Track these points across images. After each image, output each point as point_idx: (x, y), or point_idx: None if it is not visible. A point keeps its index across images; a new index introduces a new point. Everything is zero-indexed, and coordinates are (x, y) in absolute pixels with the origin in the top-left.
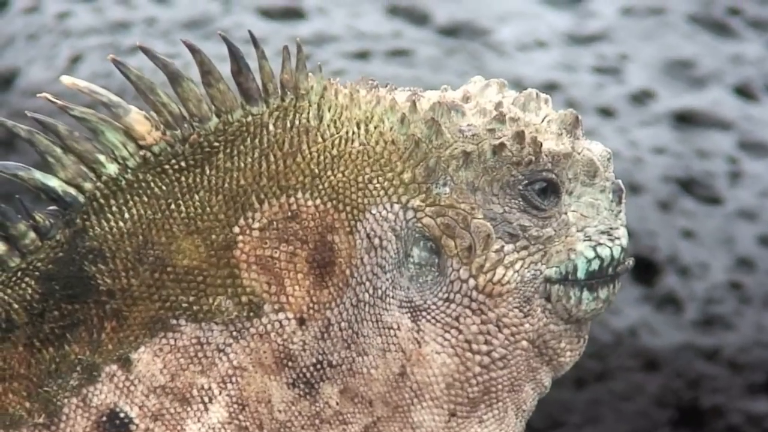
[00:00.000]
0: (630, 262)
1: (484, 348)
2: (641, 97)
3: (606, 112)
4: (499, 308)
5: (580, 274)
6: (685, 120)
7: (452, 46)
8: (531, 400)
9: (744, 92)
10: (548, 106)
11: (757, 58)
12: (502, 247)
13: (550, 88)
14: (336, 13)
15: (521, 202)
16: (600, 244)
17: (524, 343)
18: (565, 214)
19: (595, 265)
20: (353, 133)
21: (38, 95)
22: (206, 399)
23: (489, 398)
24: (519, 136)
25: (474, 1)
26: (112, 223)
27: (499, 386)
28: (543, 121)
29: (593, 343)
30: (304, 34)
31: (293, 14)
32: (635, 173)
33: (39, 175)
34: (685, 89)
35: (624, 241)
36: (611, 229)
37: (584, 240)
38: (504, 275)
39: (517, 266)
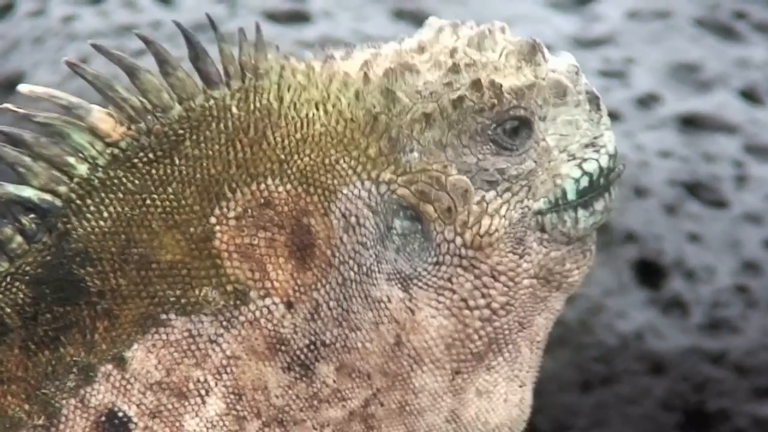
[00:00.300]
0: (621, 166)
1: (482, 302)
2: (647, 101)
3: (612, 116)
4: (491, 258)
5: (571, 196)
6: (691, 123)
7: None
8: (545, 329)
9: (750, 96)
10: (506, 36)
11: (764, 62)
12: (483, 197)
13: None
14: (342, 16)
15: (493, 147)
16: (585, 159)
17: (526, 281)
18: (543, 140)
19: (585, 182)
20: (313, 114)
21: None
22: (203, 392)
23: (496, 346)
24: (476, 84)
25: (480, 4)
26: (93, 223)
27: (506, 331)
28: (501, 56)
29: (599, 347)
30: (309, 37)
31: (299, 18)
32: (641, 177)
33: (12, 188)
34: (691, 93)
35: (611, 147)
36: (595, 138)
37: (568, 160)
38: (491, 224)
39: (503, 211)
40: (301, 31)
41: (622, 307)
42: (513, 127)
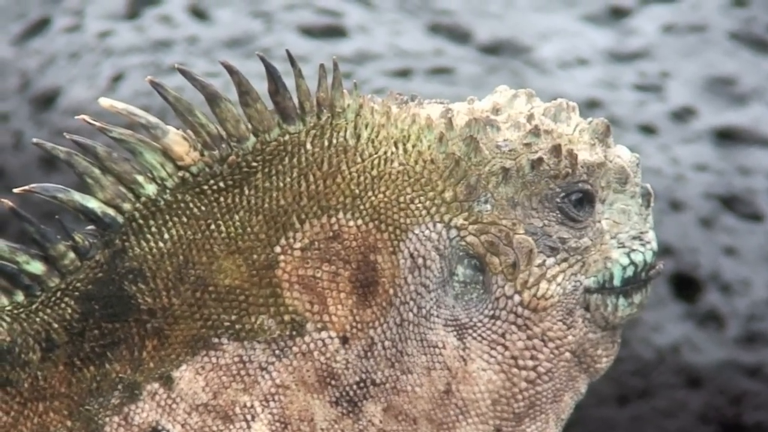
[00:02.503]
0: (661, 265)
1: (530, 363)
2: (683, 115)
3: (648, 130)
4: (544, 322)
5: (617, 282)
6: (726, 137)
7: (494, 64)
8: (569, 409)
9: None
10: (577, 115)
11: None
12: (544, 261)
13: (591, 105)
14: (377, 31)
15: (559, 215)
16: (633, 250)
17: (567, 354)
18: (599, 222)
19: (630, 271)
20: (392, 153)
21: (77, 117)
22: (249, 417)
23: (534, 411)
24: (556, 150)
25: (515, 18)
26: (152, 244)
27: (543, 399)
28: (575, 131)
29: (636, 360)
30: (345, 52)
31: (335, 32)
32: (677, 190)
33: (78, 197)
34: (727, 106)
35: (654, 245)
36: (642, 233)
37: (618, 247)
38: (548, 289)
39: (559, 279)
40: (337, 45)
41: (658, 321)
42: (578, 199)
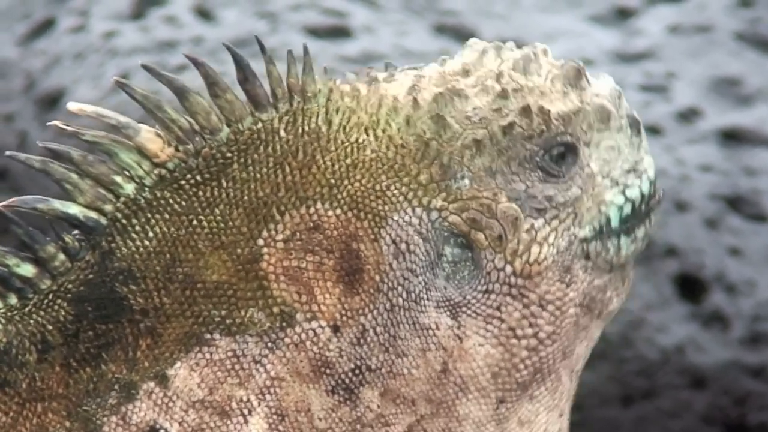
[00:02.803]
0: (661, 192)
1: (530, 331)
2: (688, 115)
3: (653, 130)
4: (540, 287)
5: (615, 223)
6: (732, 137)
7: None
8: (584, 358)
9: None
10: (548, 59)
11: None
12: (532, 224)
13: None
14: (383, 31)
15: (541, 174)
16: (628, 186)
17: (571, 310)
18: (588, 166)
19: (627, 209)
20: (363, 139)
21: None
22: (245, 411)
23: (540, 375)
24: (525, 111)
25: (521, 19)
26: (138, 243)
27: (550, 361)
28: (546, 80)
29: (640, 361)
30: (351, 52)
31: (340, 33)
32: (682, 191)
33: (58, 204)
34: (732, 107)
35: (651, 172)
36: (636, 163)
37: (611, 186)
38: (540, 253)
39: (551, 239)
40: (343, 46)
41: (662, 321)
42: (559, 153)
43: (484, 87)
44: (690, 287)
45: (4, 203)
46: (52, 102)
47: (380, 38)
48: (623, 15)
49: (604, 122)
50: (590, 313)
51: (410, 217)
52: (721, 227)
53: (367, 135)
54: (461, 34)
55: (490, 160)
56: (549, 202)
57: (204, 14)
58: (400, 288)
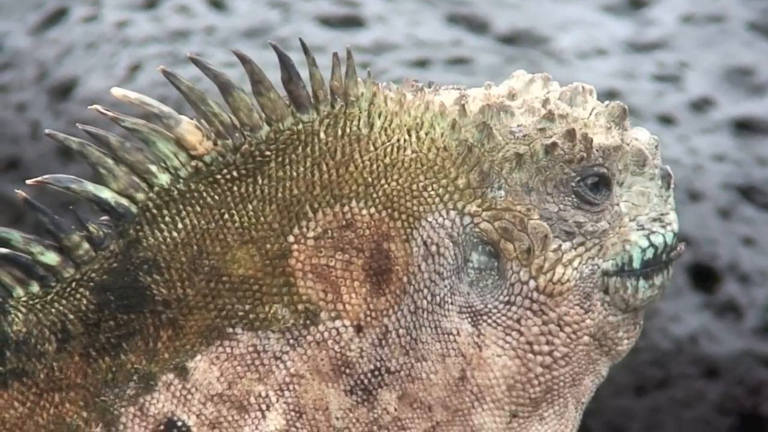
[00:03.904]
0: (682, 246)
1: (546, 348)
2: (701, 105)
3: (666, 120)
4: (560, 307)
5: (636, 264)
6: (745, 127)
7: (512, 54)
8: (589, 392)
9: None
10: (594, 98)
11: None
12: (560, 245)
13: (609, 95)
14: (395, 21)
15: (575, 199)
16: (653, 232)
17: (585, 338)
18: (617, 205)
19: (650, 253)
20: (405, 140)
21: (89, 107)
22: (263, 406)
23: (551, 396)
24: (570, 134)
25: (534, 8)
26: (166, 234)
27: (561, 383)
28: (591, 114)
29: (654, 351)
30: (363, 42)
31: (353, 22)
32: (695, 181)
33: (91, 187)
34: (745, 96)
35: (675, 226)
36: (662, 215)
37: (637, 229)
38: (563, 274)
39: (576, 263)
40: (355, 35)
41: (676, 311)
42: (594, 182)
43: (530, 108)
44: (703, 277)
45: (38, 179)
46: (64, 91)
47: (393, 28)
48: (636, 4)
49: (640, 167)
50: (601, 348)
51: (444, 219)
52: (734, 217)
53: (409, 136)
54: (474, 24)
55: (527, 176)
56: (578, 228)
57: (216, 4)
58: (426, 290)
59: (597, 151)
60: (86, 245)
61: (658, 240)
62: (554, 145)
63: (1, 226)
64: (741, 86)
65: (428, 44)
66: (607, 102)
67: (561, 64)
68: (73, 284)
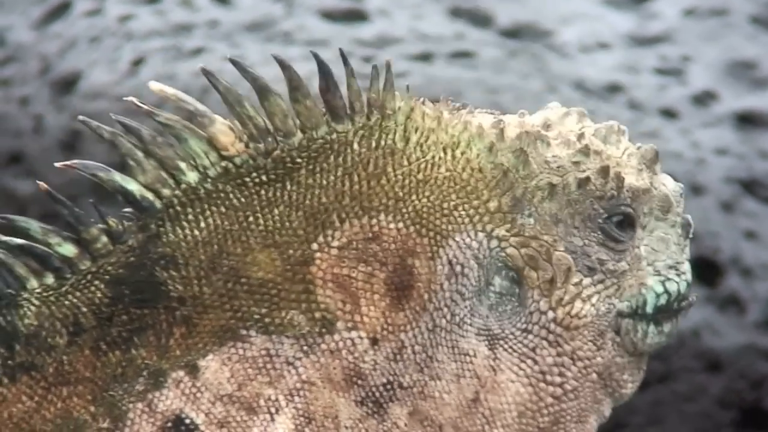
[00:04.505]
0: (694, 297)
1: (558, 380)
2: (704, 98)
3: (668, 114)
4: (574, 341)
5: (649, 309)
6: (747, 121)
7: (515, 48)
8: (593, 431)
9: None
10: (626, 139)
11: None
12: (581, 280)
13: (612, 89)
14: (398, 14)
15: (600, 236)
16: (669, 279)
17: (594, 375)
18: (638, 248)
19: (663, 300)
20: (440, 158)
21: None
22: (273, 410)
23: (557, 428)
24: (604, 171)
25: (536, 2)
26: (187, 231)
27: (568, 417)
28: (623, 154)
29: None
30: (366, 36)
31: (355, 16)
32: (698, 174)
33: (118, 177)
34: (748, 90)
35: (689, 276)
36: (678, 263)
37: (654, 274)
38: (582, 309)
39: (594, 300)
40: (358, 29)
41: None
42: (619, 221)
43: (566, 141)
44: (706, 270)
45: (67, 162)
46: (67, 85)
47: (396, 21)
48: None
49: (664, 212)
50: (605, 388)
51: (471, 240)
52: (737, 210)
53: (445, 154)
54: (477, 18)
55: (558, 207)
56: (600, 265)
57: None
58: (446, 309)
59: (627, 191)
60: (104, 238)
61: (672, 287)
62: (587, 179)
63: None
64: (744, 80)
65: (431, 38)
66: (639, 144)
67: (563, 57)
68: (89, 277)
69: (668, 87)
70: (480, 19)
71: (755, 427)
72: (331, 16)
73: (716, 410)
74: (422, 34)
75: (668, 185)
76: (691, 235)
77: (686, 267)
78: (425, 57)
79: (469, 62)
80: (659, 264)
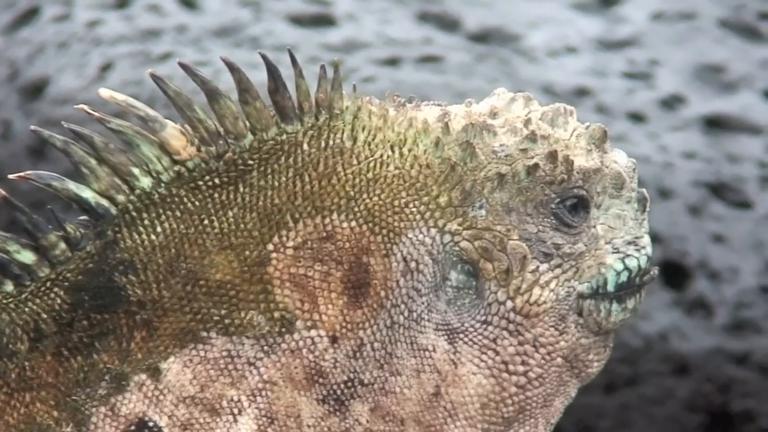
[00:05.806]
0: (655, 271)
1: (521, 368)
2: (672, 102)
3: (636, 118)
4: (535, 328)
5: (610, 287)
6: (715, 125)
7: (482, 52)
8: (559, 413)
9: None
10: (574, 119)
11: None
12: (538, 267)
13: (580, 93)
14: (366, 19)
15: (554, 221)
16: (628, 255)
17: (559, 360)
18: (594, 227)
19: (624, 276)
20: (388, 156)
21: (75, 106)
22: (235, 411)
23: (523, 416)
24: (552, 156)
25: (504, 6)
26: (144, 236)
27: (534, 404)
28: (572, 136)
29: (623, 348)
30: (334, 41)
31: (323, 21)
32: (665, 178)
33: (72, 186)
34: (716, 94)
35: (649, 250)
36: (637, 238)
37: (613, 252)
38: (540, 295)
39: (552, 285)
40: (326, 34)
41: (646, 309)
42: (572, 204)
43: (512, 128)
44: (673, 274)
45: (20, 174)
46: (35, 91)
47: (363, 26)
48: (607, 2)
49: (617, 189)
50: (572, 370)
51: (424, 236)
52: (705, 214)
53: (392, 152)
54: (444, 22)
55: (508, 196)
56: (556, 250)
57: (187, 2)
58: (403, 306)
59: (578, 173)
60: (63, 245)
61: (632, 263)
62: (536, 166)
63: None
64: (711, 84)
65: (399, 42)
66: (587, 123)
67: (531, 62)
68: (48, 284)
69: (636, 91)
70: (447, 24)
71: (723, 430)
72: (299, 21)
73: (684, 414)
74: (390, 39)
75: (620, 162)
76: (647, 209)
77: (645, 241)
78: (393, 61)
79: (437, 67)
80: (617, 241)
